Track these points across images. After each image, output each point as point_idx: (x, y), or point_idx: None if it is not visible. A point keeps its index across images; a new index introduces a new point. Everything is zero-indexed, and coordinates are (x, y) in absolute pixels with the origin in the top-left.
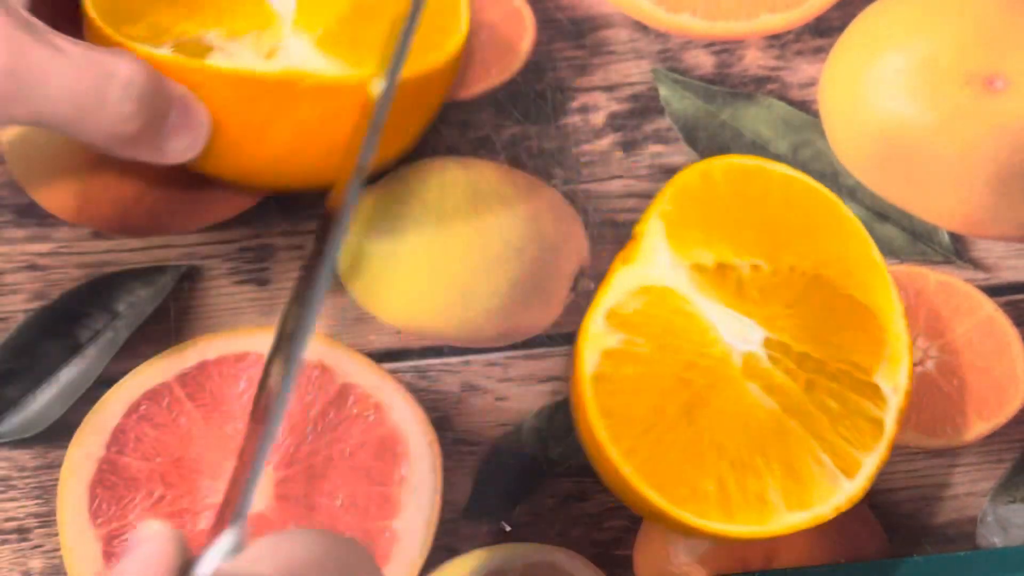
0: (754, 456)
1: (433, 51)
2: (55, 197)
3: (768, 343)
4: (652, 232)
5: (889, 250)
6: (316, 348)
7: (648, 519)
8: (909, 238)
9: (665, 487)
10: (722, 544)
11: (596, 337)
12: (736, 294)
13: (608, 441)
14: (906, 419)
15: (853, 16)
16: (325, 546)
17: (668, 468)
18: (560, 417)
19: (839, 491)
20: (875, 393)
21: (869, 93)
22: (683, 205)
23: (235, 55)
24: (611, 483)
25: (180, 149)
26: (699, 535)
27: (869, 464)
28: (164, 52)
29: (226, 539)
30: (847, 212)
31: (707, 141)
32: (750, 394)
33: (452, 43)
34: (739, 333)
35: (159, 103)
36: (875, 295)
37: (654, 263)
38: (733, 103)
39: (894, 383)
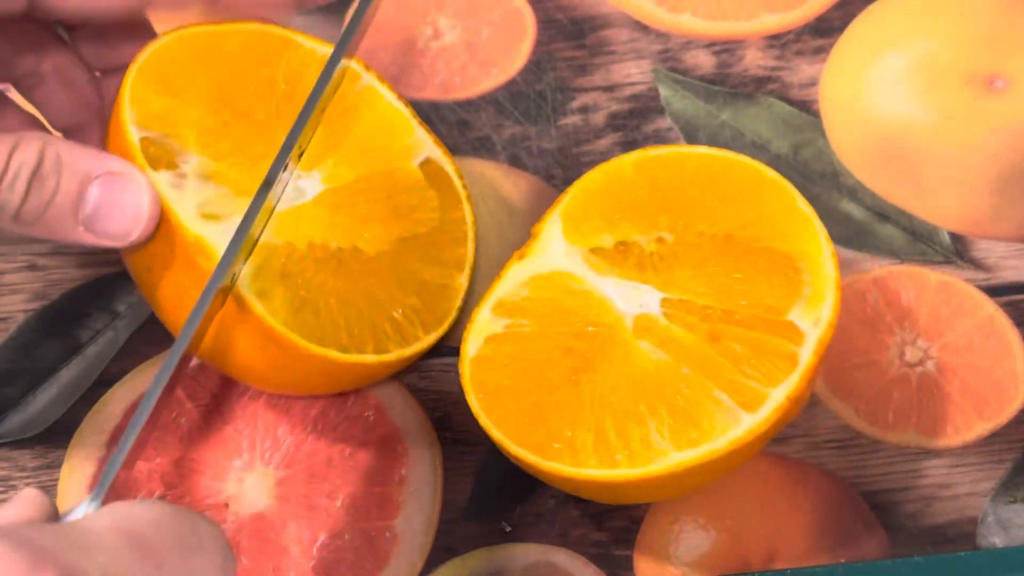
0: (638, 405)
1: None
2: None
3: (666, 303)
4: (549, 229)
5: (889, 250)
6: None
7: (548, 481)
8: (909, 238)
9: (537, 445)
10: (615, 491)
11: (481, 326)
12: (636, 267)
13: (481, 411)
14: (907, 417)
15: (853, 16)
16: (169, 513)
17: (543, 429)
18: None
19: (737, 424)
20: (790, 330)
21: (869, 93)
22: (585, 200)
23: (184, 190)
24: (505, 454)
25: (116, 234)
26: (588, 486)
27: (777, 395)
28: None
29: (83, 506)
30: (771, 174)
31: (707, 141)
32: (640, 352)
33: None
34: (635, 299)
35: (62, 184)
36: (799, 242)
37: (548, 254)
38: (733, 103)
39: (814, 317)
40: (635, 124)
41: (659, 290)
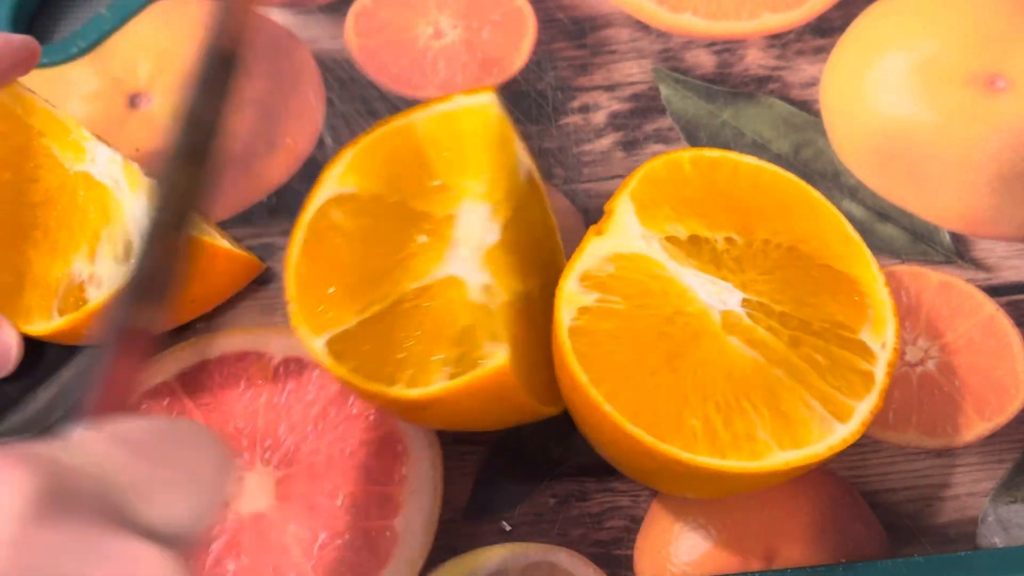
0: (739, 400)
1: None
2: None
3: (747, 303)
4: (623, 209)
5: (890, 250)
6: None
7: (640, 473)
8: (910, 238)
9: (650, 424)
10: (710, 483)
11: (571, 296)
12: (712, 263)
13: (589, 384)
14: (907, 416)
15: (854, 16)
16: (161, 418)
17: (652, 408)
18: (561, 417)
19: (832, 433)
20: (862, 349)
21: (870, 93)
22: (652, 187)
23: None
24: (596, 433)
25: None
26: (692, 474)
27: (863, 409)
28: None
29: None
30: (818, 195)
31: (708, 140)
32: (732, 347)
33: None
34: (717, 295)
35: None
36: (854, 266)
37: (627, 235)
38: (734, 103)
39: (882, 340)
40: (636, 123)
41: (738, 289)
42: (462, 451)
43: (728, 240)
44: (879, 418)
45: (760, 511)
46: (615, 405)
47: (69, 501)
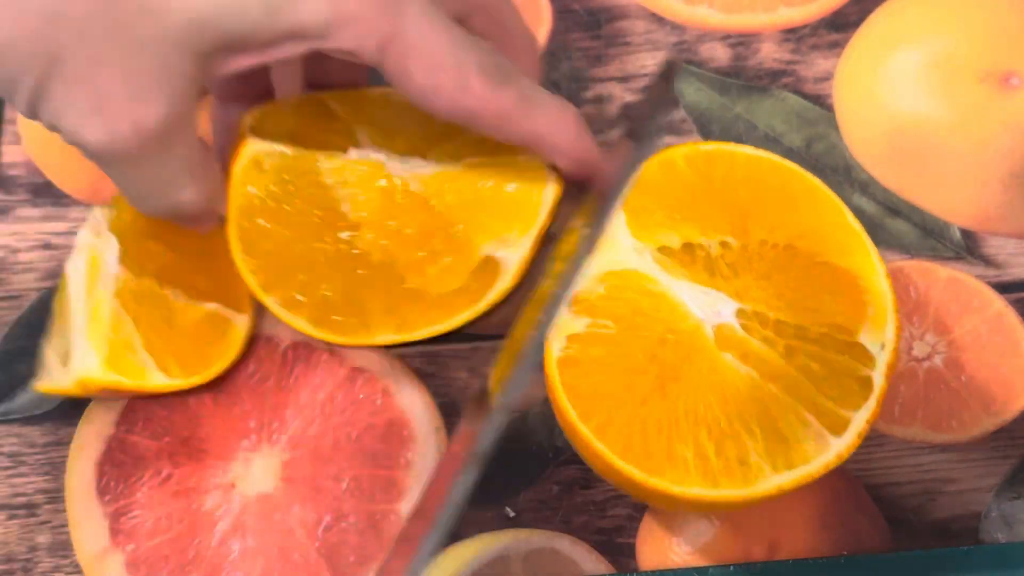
0: (732, 422)
1: None
2: (70, 178)
3: (741, 314)
4: (615, 220)
5: (900, 245)
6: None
7: (638, 497)
8: (920, 234)
9: (640, 459)
10: (711, 511)
11: (561, 324)
12: (705, 271)
13: (578, 420)
14: (913, 411)
15: (870, 11)
16: None
17: (643, 441)
18: None
19: (827, 449)
20: (861, 353)
21: (884, 88)
22: (644, 194)
23: None
24: (592, 462)
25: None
26: (686, 505)
27: (858, 420)
28: None
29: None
30: (818, 183)
31: (721, 133)
32: (725, 364)
33: None
34: (710, 307)
35: (189, 219)
36: (854, 258)
37: (617, 249)
38: (748, 96)
39: (881, 340)
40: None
41: (732, 298)
42: None
43: (723, 244)
44: (885, 412)
45: (763, 503)
46: (605, 441)
47: None
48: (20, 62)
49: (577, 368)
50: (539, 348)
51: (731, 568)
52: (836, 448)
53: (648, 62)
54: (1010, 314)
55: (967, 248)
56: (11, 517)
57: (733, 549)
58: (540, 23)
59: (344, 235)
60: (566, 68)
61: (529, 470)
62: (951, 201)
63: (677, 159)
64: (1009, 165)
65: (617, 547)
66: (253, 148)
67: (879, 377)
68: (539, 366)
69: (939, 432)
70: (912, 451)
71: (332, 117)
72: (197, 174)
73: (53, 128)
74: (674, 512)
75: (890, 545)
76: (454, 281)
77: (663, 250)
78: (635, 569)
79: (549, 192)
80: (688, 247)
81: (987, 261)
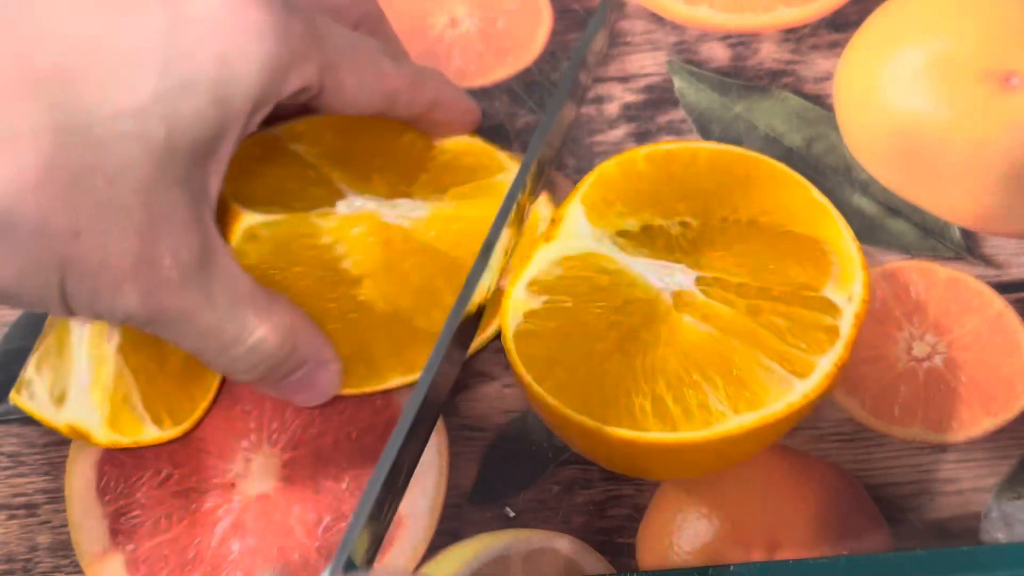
0: (691, 373)
1: None
2: None
3: (701, 280)
4: (572, 213)
5: (900, 245)
6: None
7: (604, 460)
8: (920, 233)
9: (596, 411)
10: (671, 459)
11: (518, 303)
12: (665, 249)
13: (534, 382)
14: (913, 411)
15: (870, 11)
16: None
17: (599, 395)
18: None
19: (792, 390)
20: (826, 305)
21: (884, 88)
22: (604, 187)
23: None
24: (558, 430)
25: (298, 401)
26: (650, 452)
27: (825, 363)
28: None
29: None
30: (783, 168)
31: (721, 133)
32: (685, 324)
33: None
34: (669, 277)
35: (283, 367)
36: (819, 228)
37: (575, 237)
38: (748, 96)
39: (847, 294)
40: (649, 115)
41: (692, 269)
42: (467, 437)
43: (683, 224)
44: (885, 412)
45: (763, 503)
46: (560, 398)
47: None
48: (38, 284)
49: (534, 339)
50: None
51: (731, 568)
52: (801, 390)
53: (648, 62)
54: (1010, 314)
55: (967, 248)
56: (11, 517)
57: (733, 549)
58: (540, 23)
59: (347, 291)
60: (566, 68)
61: (529, 470)
62: (951, 201)
63: (637, 159)
64: (1009, 165)
65: (617, 547)
66: (247, 221)
67: (846, 325)
68: None
69: (939, 432)
70: (912, 451)
71: (302, 163)
72: (258, 306)
73: (97, 318)
74: (674, 513)
75: (890, 545)
76: None
77: (622, 234)
78: (635, 569)
79: (546, 215)
80: (647, 229)
81: (987, 261)
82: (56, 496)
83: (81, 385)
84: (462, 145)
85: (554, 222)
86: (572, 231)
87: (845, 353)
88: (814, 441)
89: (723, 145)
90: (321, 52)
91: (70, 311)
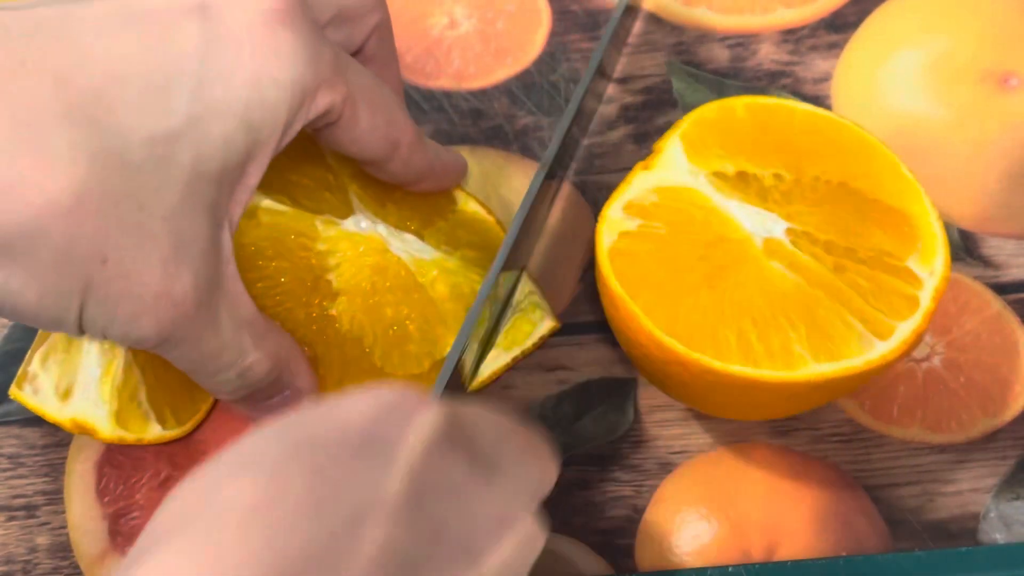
0: (777, 316)
1: None
2: None
3: (791, 232)
4: (672, 146)
5: None
6: None
7: (677, 390)
8: None
9: (684, 335)
10: (746, 396)
11: (614, 222)
12: (758, 196)
13: (625, 296)
14: (912, 412)
15: (868, 12)
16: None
17: (687, 321)
18: (566, 406)
19: (872, 348)
20: (909, 275)
21: (883, 89)
22: (703, 128)
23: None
24: (634, 348)
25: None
26: (726, 385)
27: (904, 329)
28: None
29: None
30: (872, 138)
31: None
32: (773, 270)
33: None
34: (760, 224)
35: (265, 392)
36: (906, 202)
37: (673, 170)
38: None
39: (930, 268)
40: (647, 116)
41: (783, 219)
42: None
43: (776, 176)
44: (884, 413)
45: (762, 503)
46: (651, 317)
47: (464, 446)
48: (59, 308)
49: (627, 258)
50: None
51: (729, 569)
52: (880, 349)
53: (647, 63)
54: (1009, 315)
55: (966, 249)
56: (10, 519)
57: (732, 550)
58: (539, 25)
59: (320, 301)
60: (564, 69)
61: None
62: (950, 202)
63: (737, 106)
64: (1007, 165)
65: (616, 548)
66: (253, 199)
67: (926, 298)
68: None
69: (938, 433)
70: (911, 452)
71: (325, 165)
72: (256, 332)
73: (105, 339)
74: (673, 514)
75: (888, 546)
76: (415, 367)
77: (718, 175)
78: (634, 570)
79: (543, 327)
80: (742, 175)
81: (986, 262)
82: (56, 497)
83: (90, 379)
84: (479, 214)
85: (654, 152)
86: (670, 163)
87: (924, 323)
88: (813, 442)
89: (819, 108)
90: (346, 84)
91: (81, 333)
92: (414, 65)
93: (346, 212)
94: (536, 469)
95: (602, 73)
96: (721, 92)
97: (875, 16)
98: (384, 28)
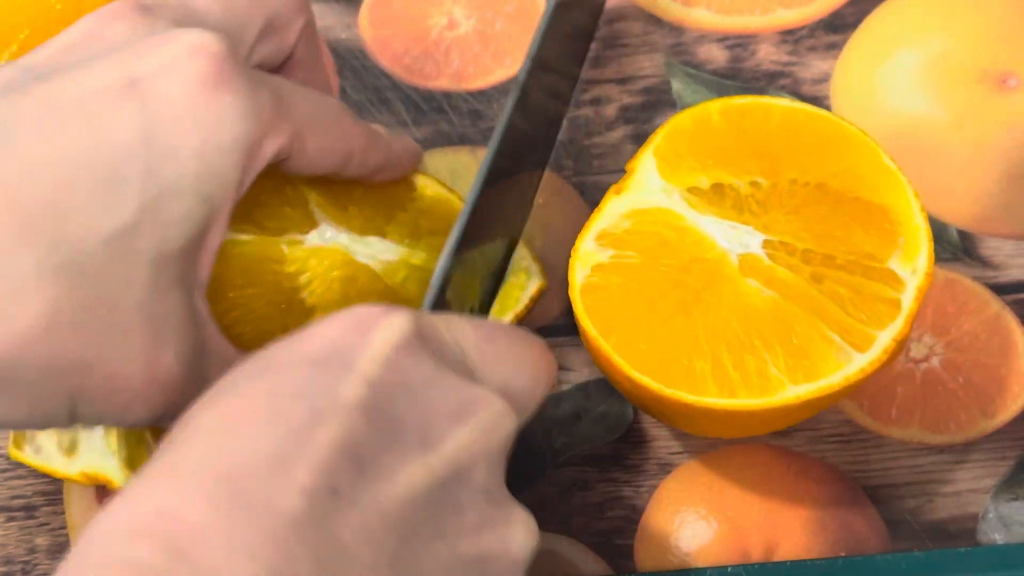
0: (752, 339)
1: None
2: None
3: (768, 244)
4: (644, 166)
5: None
6: None
7: (658, 415)
8: None
9: (658, 370)
10: (728, 423)
11: (586, 255)
12: (734, 209)
13: (598, 336)
14: (910, 412)
15: (867, 13)
16: (508, 326)
17: (661, 355)
18: (565, 406)
19: (850, 363)
20: (890, 277)
21: (881, 90)
22: (677, 141)
23: None
24: (616, 384)
25: None
26: (706, 415)
27: (884, 337)
28: None
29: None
30: (854, 129)
31: None
32: (749, 288)
33: None
34: (736, 239)
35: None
36: (888, 195)
37: (646, 190)
38: None
39: (912, 267)
40: (646, 117)
41: (759, 231)
42: None
43: (753, 184)
44: (882, 413)
45: (761, 504)
46: (623, 355)
47: (434, 349)
48: (48, 415)
49: (599, 293)
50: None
51: (729, 569)
52: (859, 363)
53: (646, 64)
54: (1007, 315)
55: (964, 249)
56: (10, 519)
57: (731, 550)
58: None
59: (295, 321)
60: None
61: (527, 472)
62: (948, 202)
63: (711, 112)
64: (1006, 166)
65: (615, 548)
66: None
67: (908, 299)
68: None
69: (936, 433)
70: (909, 452)
71: (282, 178)
72: None
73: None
74: (672, 515)
75: (887, 546)
76: None
77: (692, 190)
78: (633, 570)
79: (531, 287)
80: (718, 187)
81: (984, 262)
82: (55, 498)
83: (94, 431)
84: (441, 195)
85: (627, 173)
86: (643, 184)
87: (906, 327)
88: (812, 442)
89: (798, 103)
90: (289, 121)
91: (75, 426)
92: (413, 66)
93: (309, 225)
94: (527, 366)
95: (543, 65)
96: (720, 93)
97: (874, 16)
98: (309, 28)
